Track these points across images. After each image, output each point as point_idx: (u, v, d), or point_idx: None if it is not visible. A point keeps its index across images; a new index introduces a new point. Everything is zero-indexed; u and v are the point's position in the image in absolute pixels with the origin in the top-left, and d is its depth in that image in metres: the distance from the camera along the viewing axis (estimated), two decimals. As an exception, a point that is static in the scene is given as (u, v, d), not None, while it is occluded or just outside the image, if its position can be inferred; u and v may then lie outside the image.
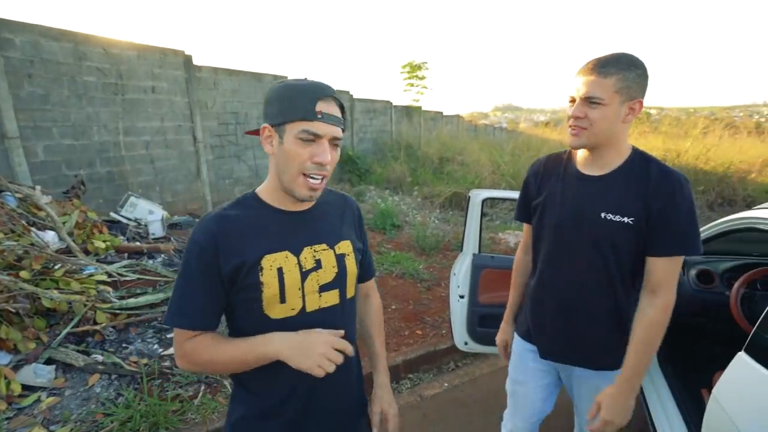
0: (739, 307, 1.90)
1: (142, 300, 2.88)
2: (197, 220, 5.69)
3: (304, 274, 0.93)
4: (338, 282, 0.98)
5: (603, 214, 1.17)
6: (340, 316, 0.99)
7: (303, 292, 0.93)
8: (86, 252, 3.27)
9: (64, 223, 3.35)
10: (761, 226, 1.43)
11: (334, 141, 0.90)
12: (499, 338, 1.65)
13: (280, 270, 0.90)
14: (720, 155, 8.39)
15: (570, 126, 1.18)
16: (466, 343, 2.34)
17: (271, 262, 0.89)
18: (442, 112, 14.84)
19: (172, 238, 4.38)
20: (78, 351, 2.41)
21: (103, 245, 3.39)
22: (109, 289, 2.89)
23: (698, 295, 2.19)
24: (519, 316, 1.55)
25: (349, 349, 0.91)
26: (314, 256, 0.95)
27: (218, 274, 0.87)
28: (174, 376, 2.39)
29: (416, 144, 10.73)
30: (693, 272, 2.27)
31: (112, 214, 4.63)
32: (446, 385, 2.74)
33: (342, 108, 0.92)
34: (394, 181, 8.69)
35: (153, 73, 5.71)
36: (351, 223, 1.09)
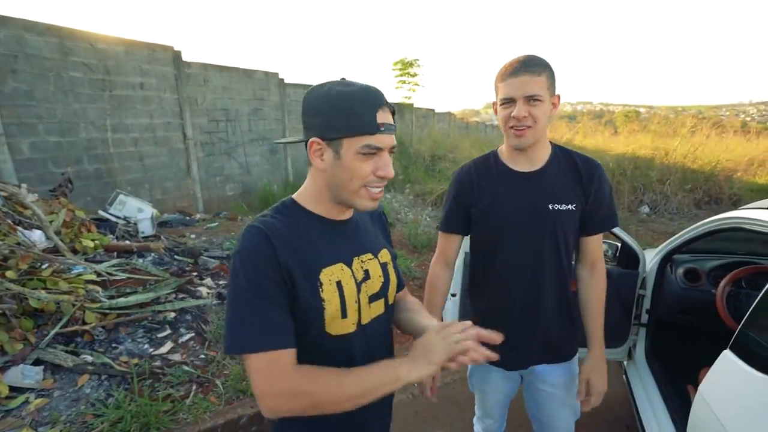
0: (724, 305, 1.94)
1: (132, 299, 2.84)
2: (188, 218, 5.64)
3: (359, 286, 0.88)
4: (383, 291, 0.95)
5: (550, 205, 1.24)
6: (386, 325, 0.98)
7: (359, 304, 0.88)
8: (74, 251, 3.22)
9: (51, 221, 3.29)
10: (747, 226, 1.46)
11: (392, 150, 0.85)
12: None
13: (339, 284, 0.84)
14: (707, 154, 8.53)
15: (512, 127, 1.20)
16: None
17: (329, 276, 0.83)
18: (433, 110, 14.87)
19: (162, 237, 4.33)
20: (67, 351, 2.38)
21: (91, 244, 3.34)
22: (99, 288, 2.85)
23: (685, 293, 2.23)
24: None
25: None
26: (362, 267, 0.91)
27: (283, 281, 0.78)
28: (165, 375, 2.38)
29: (408, 142, 10.73)
30: (680, 271, 2.31)
31: (101, 213, 4.57)
32: (438, 383, 2.76)
33: (393, 112, 0.86)
34: (386, 179, 8.69)
35: (141, 69, 5.63)
36: (382, 231, 1.06)
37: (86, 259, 3.19)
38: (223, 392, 2.34)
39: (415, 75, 12.92)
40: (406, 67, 12.86)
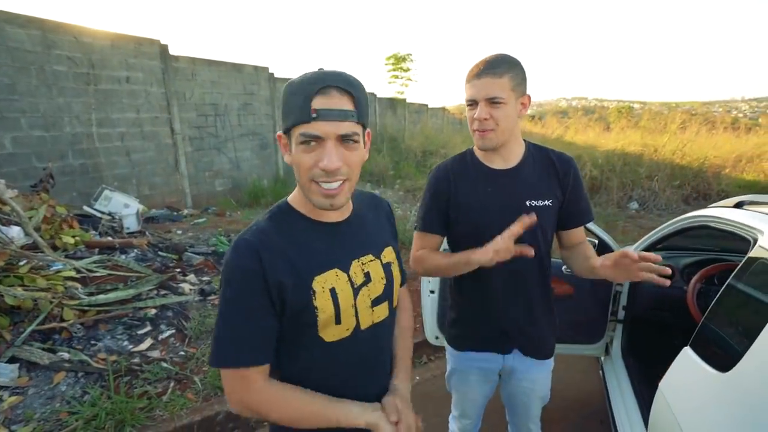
0: (695, 302, 1.96)
1: (111, 296, 2.83)
2: (176, 213, 5.61)
3: (356, 291, 0.86)
4: (387, 293, 0.92)
5: (528, 202, 1.25)
6: (389, 328, 0.97)
7: (356, 309, 0.86)
8: (54, 247, 3.19)
9: (30, 217, 3.26)
10: (712, 224, 1.47)
11: (345, 139, 0.77)
12: (491, 251, 1.12)
13: (332, 291, 0.82)
14: (696, 150, 8.58)
15: (476, 129, 1.21)
16: (437, 338, 2.37)
17: (322, 284, 0.81)
18: (427, 105, 14.84)
19: (147, 232, 4.31)
20: (43, 349, 2.36)
21: (72, 240, 3.31)
22: (78, 285, 2.83)
23: (660, 290, 2.24)
24: (454, 329, 1.47)
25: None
26: (363, 270, 0.88)
27: (269, 297, 0.77)
28: (143, 372, 2.37)
29: (400, 137, 10.72)
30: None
31: (86, 208, 4.53)
32: (417, 378, 2.78)
33: (354, 96, 0.77)
34: (377, 174, 8.68)
35: (127, 62, 5.57)
36: (387, 226, 1.02)
37: (66, 256, 3.17)
38: (201, 389, 2.34)
39: (408, 70, 12.93)
40: (399, 61, 12.84)
